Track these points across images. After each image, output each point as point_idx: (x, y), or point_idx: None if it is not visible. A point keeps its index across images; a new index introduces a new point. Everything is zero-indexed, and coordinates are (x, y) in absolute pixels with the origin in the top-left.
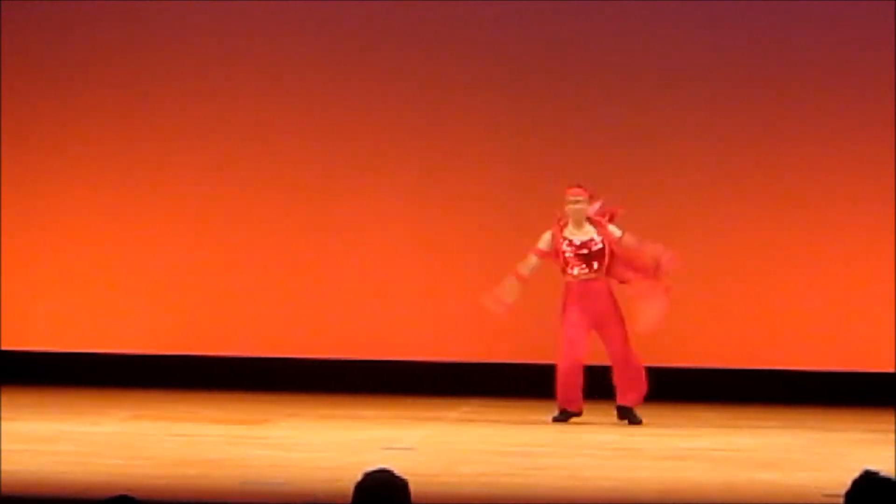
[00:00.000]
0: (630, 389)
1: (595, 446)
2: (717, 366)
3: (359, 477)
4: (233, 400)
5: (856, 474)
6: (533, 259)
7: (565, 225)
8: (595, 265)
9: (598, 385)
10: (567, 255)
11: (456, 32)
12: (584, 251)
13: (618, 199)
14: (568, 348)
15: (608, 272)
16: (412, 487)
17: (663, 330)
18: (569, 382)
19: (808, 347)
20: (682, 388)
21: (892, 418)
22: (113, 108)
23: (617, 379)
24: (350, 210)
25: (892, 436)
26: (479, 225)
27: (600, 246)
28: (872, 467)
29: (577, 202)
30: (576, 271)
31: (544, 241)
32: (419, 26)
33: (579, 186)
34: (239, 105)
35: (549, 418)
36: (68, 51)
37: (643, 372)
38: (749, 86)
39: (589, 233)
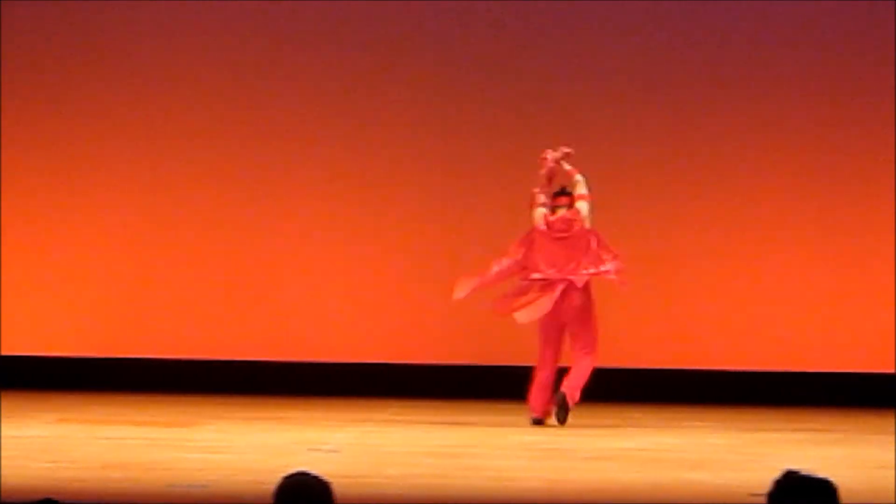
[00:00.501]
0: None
1: (522, 447)
2: (645, 366)
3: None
4: (159, 403)
5: (781, 474)
6: None
7: None
8: None
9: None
10: None
11: (390, 30)
12: None
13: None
14: None
15: None
16: (337, 490)
17: (604, 334)
18: None
19: (735, 348)
20: (611, 388)
21: (820, 417)
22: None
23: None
24: (274, 213)
25: (820, 435)
26: (406, 227)
27: None
28: (797, 466)
29: None
30: None
31: None
32: (349, 25)
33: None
34: (185, 107)
35: (476, 419)
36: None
37: None
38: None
39: None
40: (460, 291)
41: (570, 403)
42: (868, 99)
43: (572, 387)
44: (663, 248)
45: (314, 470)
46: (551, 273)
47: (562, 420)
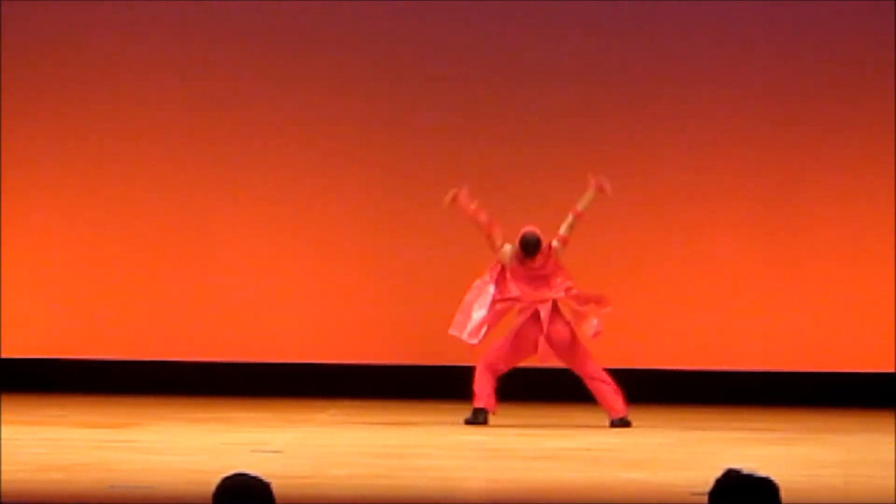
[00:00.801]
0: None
1: (465, 447)
2: None
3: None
4: (100, 403)
5: (722, 472)
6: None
7: None
8: None
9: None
10: None
11: (329, 31)
12: None
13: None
14: None
15: None
16: (280, 490)
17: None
18: None
19: (677, 347)
20: (554, 388)
21: (760, 416)
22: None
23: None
24: (217, 215)
25: (760, 434)
26: (349, 228)
27: None
28: (738, 465)
29: None
30: None
31: None
32: (283, 24)
33: None
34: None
35: (420, 419)
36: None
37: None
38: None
39: None
40: (473, 337)
41: (624, 417)
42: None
43: (615, 409)
44: (608, 247)
45: (257, 471)
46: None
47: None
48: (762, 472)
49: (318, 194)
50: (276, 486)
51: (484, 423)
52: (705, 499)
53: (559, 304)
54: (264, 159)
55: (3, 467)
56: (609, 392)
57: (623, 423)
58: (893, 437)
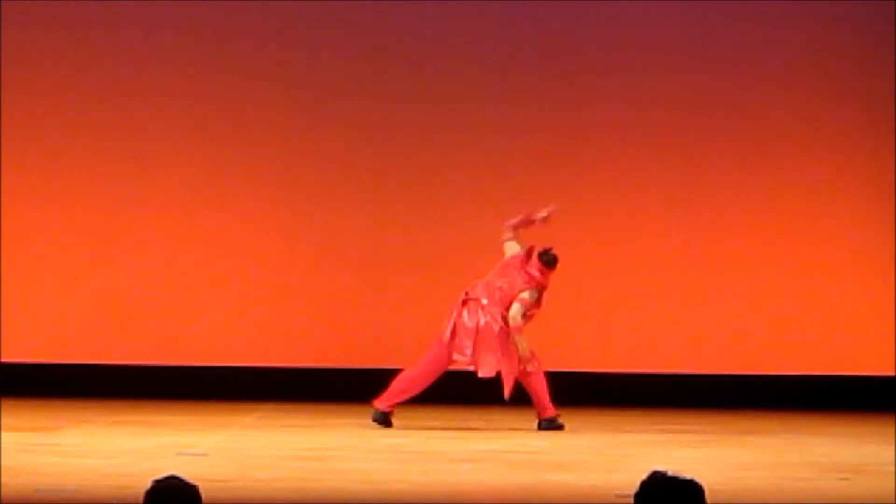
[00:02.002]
0: None
1: (390, 450)
2: None
3: (149, 484)
4: (23, 407)
5: (645, 475)
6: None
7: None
8: None
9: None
10: None
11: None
12: None
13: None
14: None
15: None
16: (205, 493)
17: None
18: None
19: (600, 350)
20: (478, 391)
21: (684, 418)
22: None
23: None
24: (137, 214)
25: (684, 436)
26: (273, 231)
27: None
28: (662, 467)
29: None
30: None
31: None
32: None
33: None
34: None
35: (343, 422)
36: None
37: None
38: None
39: None
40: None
41: (552, 417)
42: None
43: (542, 406)
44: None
45: (182, 474)
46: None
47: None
48: (687, 475)
49: (239, 199)
50: (203, 490)
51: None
52: (630, 501)
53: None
54: (178, 154)
55: None
56: (535, 390)
57: (551, 423)
58: (818, 438)
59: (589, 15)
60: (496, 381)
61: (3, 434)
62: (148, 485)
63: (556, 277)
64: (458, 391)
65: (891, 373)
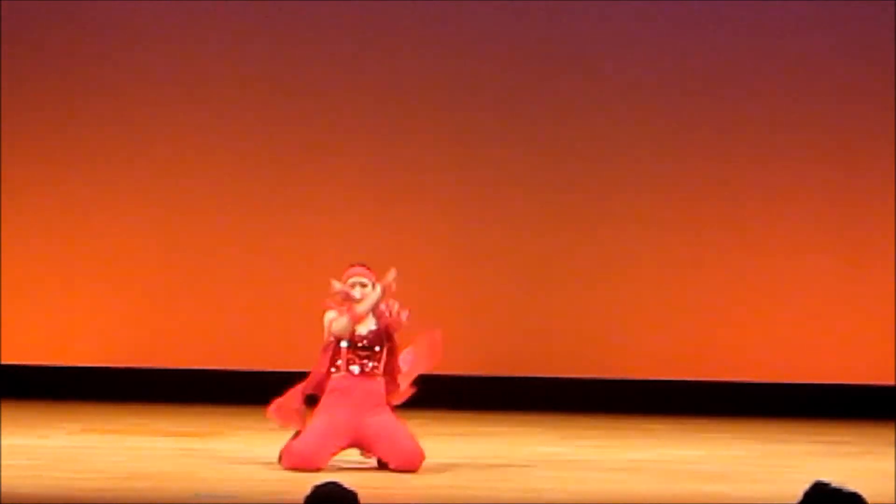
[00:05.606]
0: None
1: (544, 458)
2: (666, 377)
3: (308, 490)
4: (183, 412)
5: (804, 485)
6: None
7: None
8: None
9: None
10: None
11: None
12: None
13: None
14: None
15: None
16: (366, 500)
17: (619, 344)
18: None
19: (755, 358)
20: (632, 400)
21: (839, 429)
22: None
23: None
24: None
25: (840, 447)
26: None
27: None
28: (823, 478)
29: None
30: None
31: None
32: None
33: (362, 265)
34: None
35: (499, 430)
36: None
37: None
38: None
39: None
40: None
41: None
42: (868, 99)
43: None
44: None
45: (346, 480)
46: None
47: None
48: (850, 487)
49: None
50: (362, 497)
51: None
52: None
53: None
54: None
55: (88, 475)
56: None
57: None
58: None
59: None
60: (658, 388)
61: (162, 439)
62: (307, 490)
63: (699, 286)
64: (617, 399)
65: None
